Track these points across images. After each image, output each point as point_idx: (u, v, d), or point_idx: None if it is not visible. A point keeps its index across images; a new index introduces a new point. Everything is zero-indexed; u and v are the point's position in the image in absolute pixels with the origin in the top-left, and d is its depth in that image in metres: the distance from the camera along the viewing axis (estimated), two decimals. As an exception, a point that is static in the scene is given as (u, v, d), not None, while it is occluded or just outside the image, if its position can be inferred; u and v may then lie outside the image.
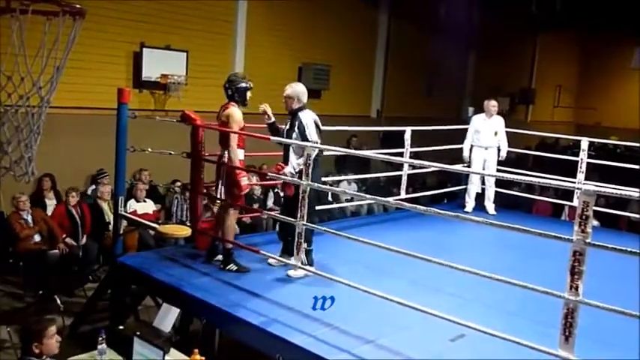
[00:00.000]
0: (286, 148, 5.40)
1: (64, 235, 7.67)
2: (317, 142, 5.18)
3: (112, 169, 6.11)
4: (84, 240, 7.90)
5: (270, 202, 9.60)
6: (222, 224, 5.54)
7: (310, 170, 4.73)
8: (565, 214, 10.09)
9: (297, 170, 5.18)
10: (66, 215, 7.86)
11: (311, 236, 5.25)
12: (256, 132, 5.85)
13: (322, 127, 5.46)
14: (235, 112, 5.38)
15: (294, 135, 5.31)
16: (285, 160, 5.37)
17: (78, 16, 4.40)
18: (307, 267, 5.04)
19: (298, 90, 5.42)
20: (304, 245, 4.89)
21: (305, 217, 4.78)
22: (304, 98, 5.43)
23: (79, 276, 7.39)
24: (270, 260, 5.54)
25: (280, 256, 5.52)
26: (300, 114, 5.35)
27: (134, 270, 5.54)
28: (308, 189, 4.73)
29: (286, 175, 5.19)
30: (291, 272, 5.30)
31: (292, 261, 5.07)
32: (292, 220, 4.94)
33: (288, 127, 5.45)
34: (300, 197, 4.79)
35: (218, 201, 5.72)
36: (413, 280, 5.13)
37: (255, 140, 5.82)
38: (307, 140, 5.16)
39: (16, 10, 4.11)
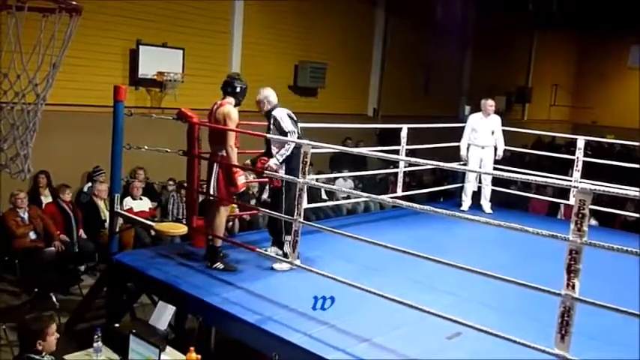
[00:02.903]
0: (268, 145, 5.63)
1: (58, 232, 7.66)
2: (294, 131, 5.42)
3: (108, 166, 6.10)
4: (82, 234, 7.93)
5: (264, 196, 9.55)
6: (212, 222, 5.55)
7: (300, 164, 4.80)
8: (561, 213, 10.10)
9: (280, 161, 5.43)
10: (58, 212, 7.86)
11: (290, 227, 5.29)
12: (250, 131, 5.89)
13: (319, 125, 5.52)
14: (233, 110, 5.43)
15: (271, 132, 5.55)
16: (268, 155, 5.58)
17: (74, 13, 4.38)
18: (291, 261, 5.01)
19: (265, 93, 5.68)
20: (287, 238, 4.94)
21: (285, 210, 5.11)
22: (273, 99, 5.67)
23: (75, 274, 7.38)
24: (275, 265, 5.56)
25: (270, 248, 5.66)
26: (274, 112, 5.59)
27: (130, 268, 5.53)
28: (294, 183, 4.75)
29: (271, 167, 5.40)
30: (276, 265, 5.42)
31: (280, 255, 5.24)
32: (290, 217, 4.96)
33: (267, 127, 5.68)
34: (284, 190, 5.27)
35: (211, 198, 5.73)
36: (409, 278, 5.13)
37: (249, 138, 5.85)
38: (285, 133, 5.41)
39: (12, 6, 4.10)
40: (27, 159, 4.60)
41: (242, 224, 8.43)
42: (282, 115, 5.52)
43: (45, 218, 7.62)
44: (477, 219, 4.34)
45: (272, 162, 5.40)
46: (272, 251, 5.66)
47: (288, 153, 5.41)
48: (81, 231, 8.02)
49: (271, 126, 5.54)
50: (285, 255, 5.34)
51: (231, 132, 5.38)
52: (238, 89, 5.51)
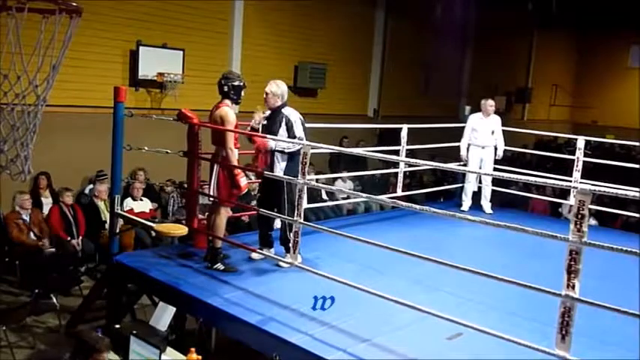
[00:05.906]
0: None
1: (69, 238, 7.72)
2: (302, 138, 5.35)
3: (108, 167, 6.11)
4: (79, 240, 7.90)
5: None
6: (212, 223, 5.55)
7: (300, 166, 4.78)
8: (566, 212, 10.08)
9: (276, 148, 5.42)
10: (59, 215, 7.85)
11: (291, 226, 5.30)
12: (248, 132, 5.87)
13: (319, 126, 5.52)
14: (229, 112, 5.39)
15: (280, 130, 5.47)
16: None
17: (74, 15, 4.40)
18: (292, 261, 5.01)
19: (284, 89, 5.61)
20: (291, 235, 4.94)
21: (287, 209, 5.22)
22: (286, 96, 5.62)
23: (75, 275, 7.38)
24: (253, 255, 5.65)
25: (260, 248, 5.65)
26: (284, 111, 5.53)
27: (130, 269, 5.52)
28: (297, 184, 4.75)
29: (266, 145, 5.41)
30: (281, 263, 5.39)
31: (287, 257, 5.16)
32: (290, 218, 4.97)
33: (267, 122, 5.59)
34: (285, 191, 5.32)
35: (211, 199, 5.73)
36: (410, 279, 5.13)
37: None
38: (294, 137, 5.38)
39: (12, 8, 4.11)
40: (27, 160, 4.62)
41: (242, 225, 8.43)
42: (295, 118, 5.49)
43: (46, 222, 7.62)
44: (477, 219, 4.34)
45: (271, 142, 5.39)
46: (272, 251, 5.68)
47: (287, 150, 5.41)
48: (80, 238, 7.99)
49: (283, 124, 5.47)
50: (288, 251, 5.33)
51: (230, 134, 5.36)
52: (226, 89, 5.45)
